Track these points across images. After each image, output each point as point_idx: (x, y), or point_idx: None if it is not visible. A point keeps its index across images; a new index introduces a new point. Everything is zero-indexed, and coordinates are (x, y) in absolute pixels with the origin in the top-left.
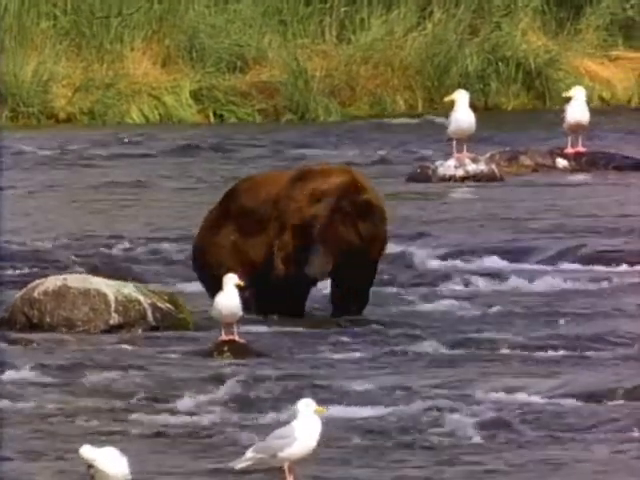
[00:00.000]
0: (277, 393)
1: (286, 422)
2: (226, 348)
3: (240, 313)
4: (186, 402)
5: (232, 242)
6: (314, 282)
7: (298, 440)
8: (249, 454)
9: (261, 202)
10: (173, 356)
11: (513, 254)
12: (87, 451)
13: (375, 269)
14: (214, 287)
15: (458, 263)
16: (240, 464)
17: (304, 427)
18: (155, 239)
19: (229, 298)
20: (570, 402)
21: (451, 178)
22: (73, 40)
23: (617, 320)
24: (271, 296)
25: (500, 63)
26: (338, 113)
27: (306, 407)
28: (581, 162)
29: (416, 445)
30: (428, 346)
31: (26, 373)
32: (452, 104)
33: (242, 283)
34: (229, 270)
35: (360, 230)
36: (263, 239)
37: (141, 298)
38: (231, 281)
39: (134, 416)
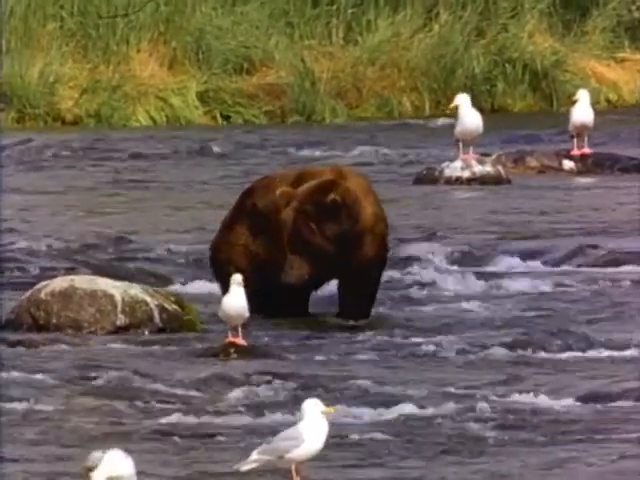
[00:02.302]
0: (283, 394)
1: (293, 423)
2: (232, 349)
3: (246, 314)
4: (192, 403)
5: (244, 241)
6: (315, 286)
7: (305, 441)
8: (255, 456)
9: (268, 202)
10: (179, 357)
11: (520, 255)
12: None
13: (378, 270)
14: (226, 286)
15: (464, 264)
16: (246, 466)
17: (311, 428)
18: (162, 240)
19: (236, 299)
20: (576, 403)
21: (457, 180)
22: (79, 42)
23: (621, 321)
24: (276, 297)
25: (507, 65)
26: (345, 115)
27: (313, 407)
28: (587, 164)
29: (422, 446)
30: (434, 347)
31: (32, 374)
32: (453, 111)
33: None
34: (239, 270)
35: (327, 232)
36: (269, 239)
37: (148, 299)
38: (238, 282)
39: (140, 417)
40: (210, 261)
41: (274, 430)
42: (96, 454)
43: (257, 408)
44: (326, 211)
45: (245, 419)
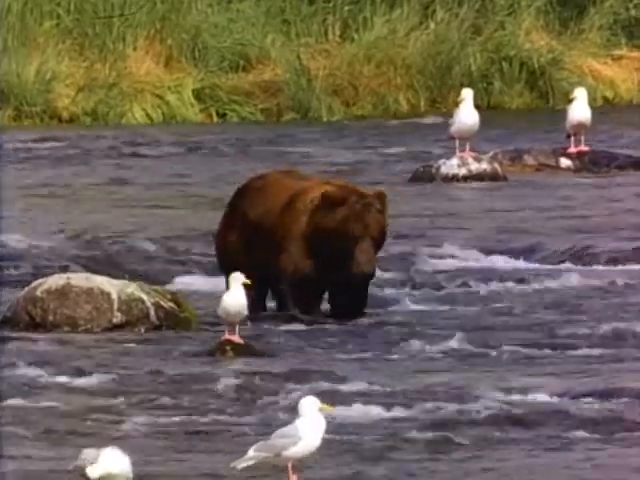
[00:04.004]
0: (280, 392)
1: (290, 421)
2: (229, 347)
3: (245, 313)
4: (188, 401)
5: (242, 241)
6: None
7: (302, 439)
8: (252, 453)
9: (269, 207)
10: (176, 355)
11: (516, 253)
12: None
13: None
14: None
15: (461, 262)
16: (243, 463)
17: (308, 426)
18: (158, 238)
19: (235, 297)
20: (572, 402)
21: (454, 177)
22: (76, 39)
23: (620, 320)
24: (277, 296)
25: (503, 62)
26: (341, 112)
27: (310, 405)
28: (584, 161)
29: (417, 444)
30: (430, 346)
31: (28, 372)
32: (458, 104)
33: (249, 282)
34: (238, 268)
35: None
36: (269, 242)
37: (144, 297)
38: (238, 280)
39: (136, 415)
40: (216, 260)
41: (270, 428)
42: (88, 451)
43: (253, 406)
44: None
45: (241, 417)
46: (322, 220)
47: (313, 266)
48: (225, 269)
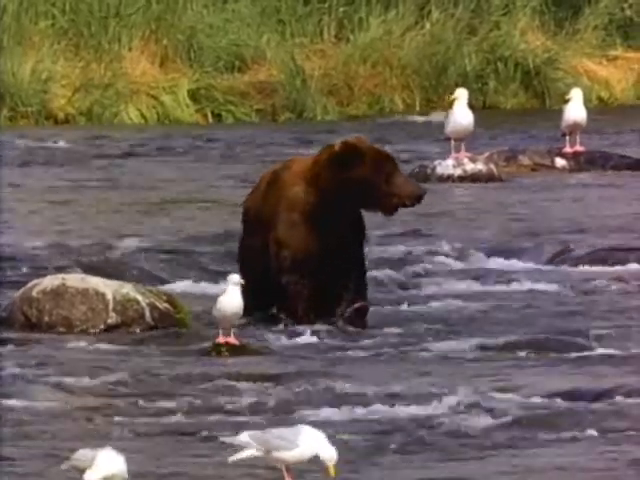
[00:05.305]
0: (275, 393)
1: (283, 421)
2: (224, 348)
3: (241, 314)
4: (183, 402)
5: (247, 240)
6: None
7: (299, 447)
8: (244, 437)
9: (255, 194)
10: (171, 356)
11: (511, 254)
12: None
13: None
14: None
15: (457, 263)
16: (238, 453)
17: (309, 436)
18: (154, 239)
19: (231, 298)
20: (570, 402)
21: (449, 178)
22: (71, 40)
23: (616, 320)
24: (270, 294)
25: (499, 63)
26: (336, 112)
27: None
28: (579, 162)
29: (418, 446)
30: (429, 346)
31: (24, 372)
32: (452, 103)
33: (242, 282)
34: (249, 270)
35: None
36: (260, 238)
37: (139, 298)
38: (234, 281)
39: (132, 416)
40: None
41: (266, 428)
42: (83, 451)
43: (249, 407)
44: None
45: (236, 418)
46: (351, 170)
47: (315, 239)
48: (240, 270)
